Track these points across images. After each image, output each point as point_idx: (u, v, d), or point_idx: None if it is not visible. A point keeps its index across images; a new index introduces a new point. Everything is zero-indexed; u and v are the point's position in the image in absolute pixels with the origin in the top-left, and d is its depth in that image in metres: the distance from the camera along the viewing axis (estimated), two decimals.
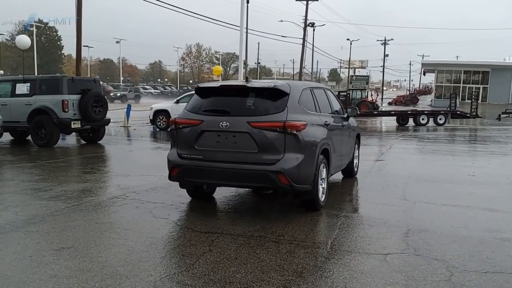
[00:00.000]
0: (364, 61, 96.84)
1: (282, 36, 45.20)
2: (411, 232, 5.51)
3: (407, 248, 4.94)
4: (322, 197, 6.51)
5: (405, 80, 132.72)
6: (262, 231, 5.47)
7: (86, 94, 13.48)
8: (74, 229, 5.47)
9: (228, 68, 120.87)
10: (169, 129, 6.41)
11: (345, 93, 36.79)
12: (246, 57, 38.05)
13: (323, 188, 6.54)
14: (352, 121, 8.85)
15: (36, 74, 39.94)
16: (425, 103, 60.08)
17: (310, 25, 47.10)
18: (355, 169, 9.21)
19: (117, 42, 78.21)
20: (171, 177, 6.33)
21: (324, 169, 6.56)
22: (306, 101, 6.52)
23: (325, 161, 6.57)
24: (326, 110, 7.34)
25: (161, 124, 21.09)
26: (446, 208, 6.82)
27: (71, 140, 15.97)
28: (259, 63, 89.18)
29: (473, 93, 32.11)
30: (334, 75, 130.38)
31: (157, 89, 71.71)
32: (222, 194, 7.36)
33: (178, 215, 6.25)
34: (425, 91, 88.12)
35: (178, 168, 6.16)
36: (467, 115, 29.08)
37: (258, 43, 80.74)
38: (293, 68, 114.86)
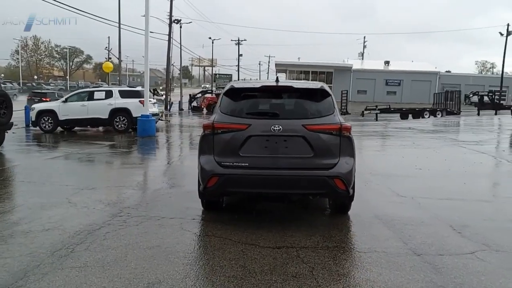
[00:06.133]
0: (214, 60, 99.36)
1: (150, 32, 43.34)
2: (456, 227, 5.72)
3: (478, 244, 5.12)
4: None
5: (250, 79, 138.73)
6: (329, 241, 5.20)
7: None
8: (127, 259, 4.52)
9: (72, 63, 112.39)
10: (202, 134, 5.66)
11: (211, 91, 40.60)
12: (120, 51, 35.88)
13: None
14: None
15: None
16: None
17: (176, 21, 46.01)
18: None
19: None
20: (207, 188, 5.55)
21: None
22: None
23: None
24: None
25: (47, 126, 18.71)
26: (447, 202, 7.22)
27: None
28: (110, 58, 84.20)
29: (342, 92, 35.09)
30: (185, 72, 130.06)
31: None
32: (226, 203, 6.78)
33: (221, 231, 5.51)
34: None
35: (219, 178, 5.44)
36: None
37: (109, 37, 75.76)
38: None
